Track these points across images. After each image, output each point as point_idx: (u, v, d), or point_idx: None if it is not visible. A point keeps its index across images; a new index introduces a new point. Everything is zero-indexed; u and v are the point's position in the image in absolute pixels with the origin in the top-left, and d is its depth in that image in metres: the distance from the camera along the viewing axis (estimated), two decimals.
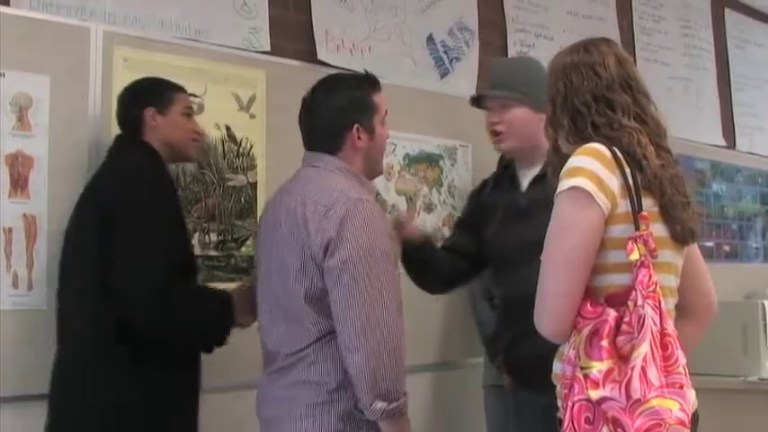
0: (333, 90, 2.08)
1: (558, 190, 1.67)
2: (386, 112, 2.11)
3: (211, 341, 2.18)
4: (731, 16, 5.32)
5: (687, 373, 1.58)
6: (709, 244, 4.68)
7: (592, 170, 1.63)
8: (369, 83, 2.11)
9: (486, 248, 2.47)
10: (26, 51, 2.30)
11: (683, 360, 1.58)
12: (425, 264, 2.50)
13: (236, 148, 2.73)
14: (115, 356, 2.04)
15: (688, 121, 4.72)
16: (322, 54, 3.08)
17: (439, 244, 2.63)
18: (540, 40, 3.99)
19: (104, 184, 2.14)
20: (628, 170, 1.66)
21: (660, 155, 1.72)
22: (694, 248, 1.85)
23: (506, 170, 2.53)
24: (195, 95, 2.62)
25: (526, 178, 2.43)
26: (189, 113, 2.35)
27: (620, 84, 1.76)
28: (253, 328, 2.16)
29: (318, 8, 3.13)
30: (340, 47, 3.15)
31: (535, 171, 2.39)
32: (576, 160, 1.67)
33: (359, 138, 2.03)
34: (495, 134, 2.44)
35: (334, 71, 3.01)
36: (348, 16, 3.23)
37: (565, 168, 1.68)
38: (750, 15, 5.49)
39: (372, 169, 2.12)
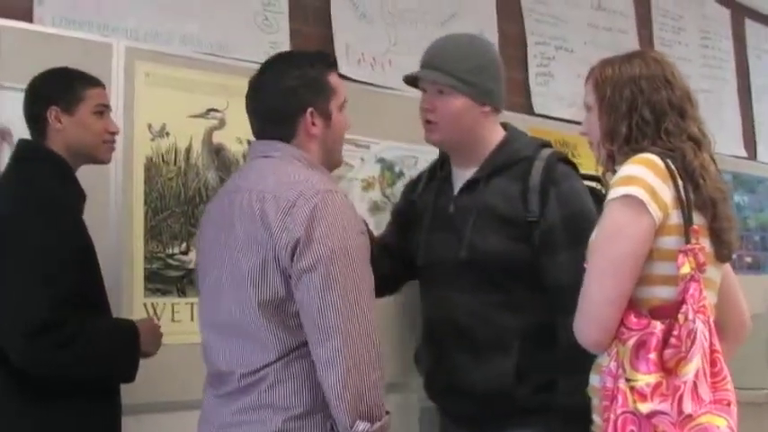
0: (282, 69, 1.82)
1: (609, 197, 1.66)
2: (345, 99, 1.87)
3: (118, 374, 1.99)
4: (751, 27, 5.30)
5: (733, 389, 1.57)
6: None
7: (645, 180, 1.62)
8: (323, 62, 1.86)
9: (414, 257, 2.19)
10: (49, 67, 2.30)
11: (729, 377, 1.57)
12: None
13: None
14: (6, 389, 1.85)
15: None
16: (343, 68, 3.06)
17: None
18: (560, 52, 3.97)
19: None
20: (680, 183, 1.64)
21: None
22: (727, 264, 1.83)
23: (443, 165, 2.21)
24: (217, 110, 2.63)
25: (460, 180, 2.12)
26: (102, 111, 2.08)
27: (687, 96, 1.76)
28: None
29: (339, 22, 3.12)
30: (361, 60, 3.15)
31: (470, 173, 2.10)
32: (628, 169, 1.65)
33: (313, 123, 1.79)
34: (427, 123, 2.10)
35: (355, 86, 3.04)
36: (368, 30, 3.22)
37: (617, 176, 1.67)
38: None
39: (330, 160, 1.87)
